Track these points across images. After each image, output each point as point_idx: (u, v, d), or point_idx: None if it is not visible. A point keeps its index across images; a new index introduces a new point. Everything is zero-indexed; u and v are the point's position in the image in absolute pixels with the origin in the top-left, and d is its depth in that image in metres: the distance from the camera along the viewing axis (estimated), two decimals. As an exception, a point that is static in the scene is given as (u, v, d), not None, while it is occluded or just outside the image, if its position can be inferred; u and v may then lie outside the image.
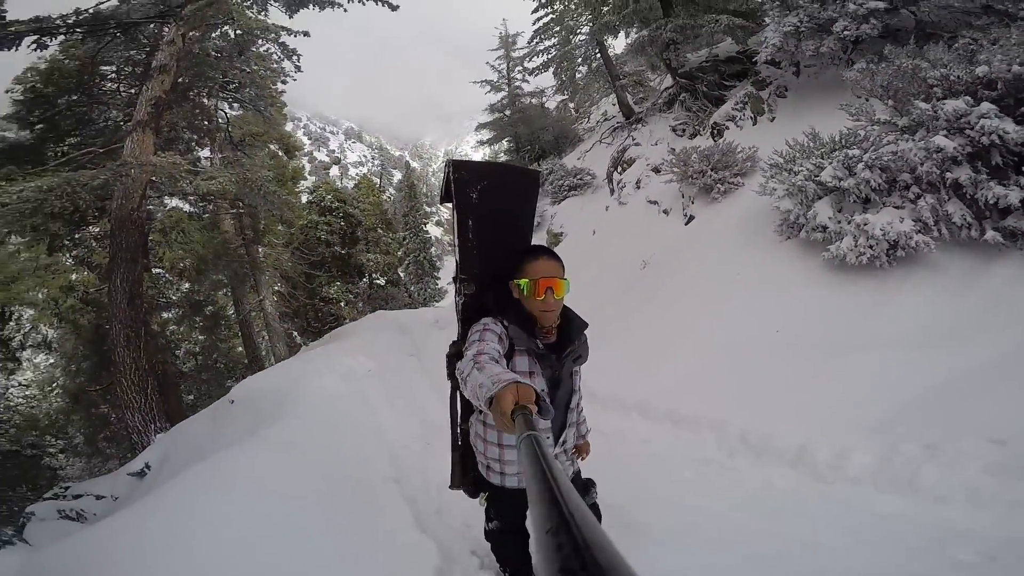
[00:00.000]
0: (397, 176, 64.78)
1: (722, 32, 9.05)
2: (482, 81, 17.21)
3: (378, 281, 21.84)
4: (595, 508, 1.89)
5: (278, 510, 2.33)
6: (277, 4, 8.21)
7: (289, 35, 8.61)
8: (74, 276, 11.62)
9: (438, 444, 3.47)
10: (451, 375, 1.74)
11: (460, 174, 1.70)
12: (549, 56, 13.11)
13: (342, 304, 18.85)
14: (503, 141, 17.98)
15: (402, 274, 23.91)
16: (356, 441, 3.53)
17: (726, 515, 2.32)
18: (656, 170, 8.30)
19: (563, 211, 10.17)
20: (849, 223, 3.68)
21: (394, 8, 7.03)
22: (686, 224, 6.34)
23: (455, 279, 1.74)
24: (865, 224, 3.53)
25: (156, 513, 2.34)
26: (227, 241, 12.48)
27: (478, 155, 22.01)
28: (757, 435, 2.82)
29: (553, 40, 13.09)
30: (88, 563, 1.99)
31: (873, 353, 2.96)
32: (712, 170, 6.41)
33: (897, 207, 3.60)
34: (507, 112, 16.95)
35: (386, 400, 4.92)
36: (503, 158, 18.25)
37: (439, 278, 24.27)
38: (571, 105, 17.09)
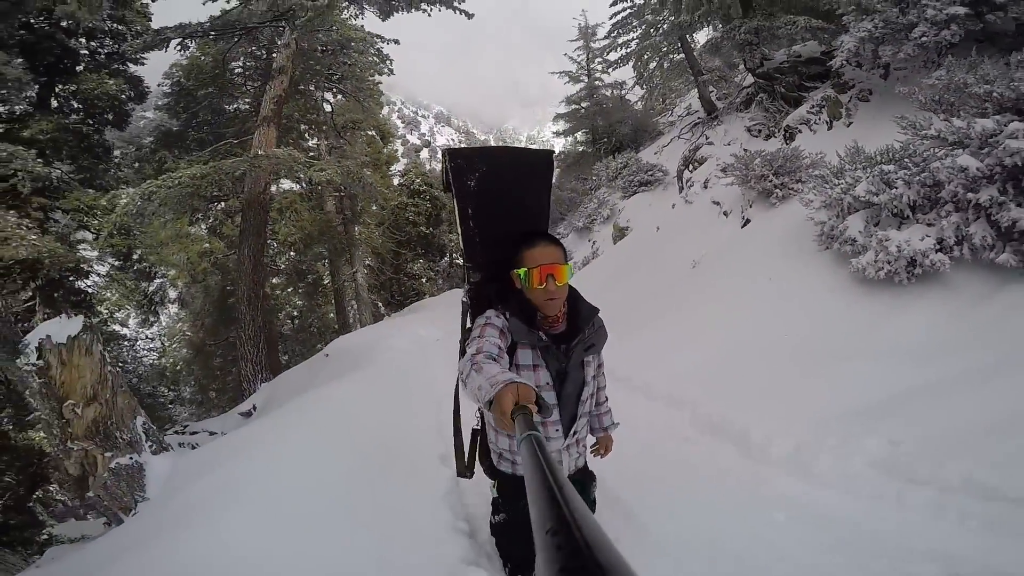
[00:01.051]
0: None
1: (800, 34, 8.83)
2: (561, 72, 17.62)
3: (458, 261, 23.38)
4: (592, 504, 1.86)
5: (349, 426, 3.31)
6: (372, 8, 9.32)
7: (383, 42, 9.82)
8: (207, 245, 13.93)
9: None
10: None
11: (456, 162, 1.68)
12: (628, 50, 13.29)
13: (423, 280, 20.53)
14: (579, 133, 18.29)
15: None
16: (413, 384, 4.65)
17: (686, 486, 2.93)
18: (724, 170, 8.42)
19: (632, 205, 10.53)
20: (871, 237, 3.92)
21: (470, 16, 7.89)
22: (742, 227, 6.57)
23: (462, 268, 1.74)
24: (886, 240, 3.77)
25: (265, 425, 3.44)
26: (329, 220, 14.28)
27: (559, 144, 22.29)
28: (721, 419, 3.38)
29: (632, 35, 13.24)
30: (213, 462, 2.96)
31: (859, 361, 3.31)
32: (774, 175, 6.54)
33: (930, 224, 3.79)
34: (583, 104, 17.23)
35: (442, 360, 6.10)
36: (581, 150, 18.58)
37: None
38: (654, 96, 16.99)
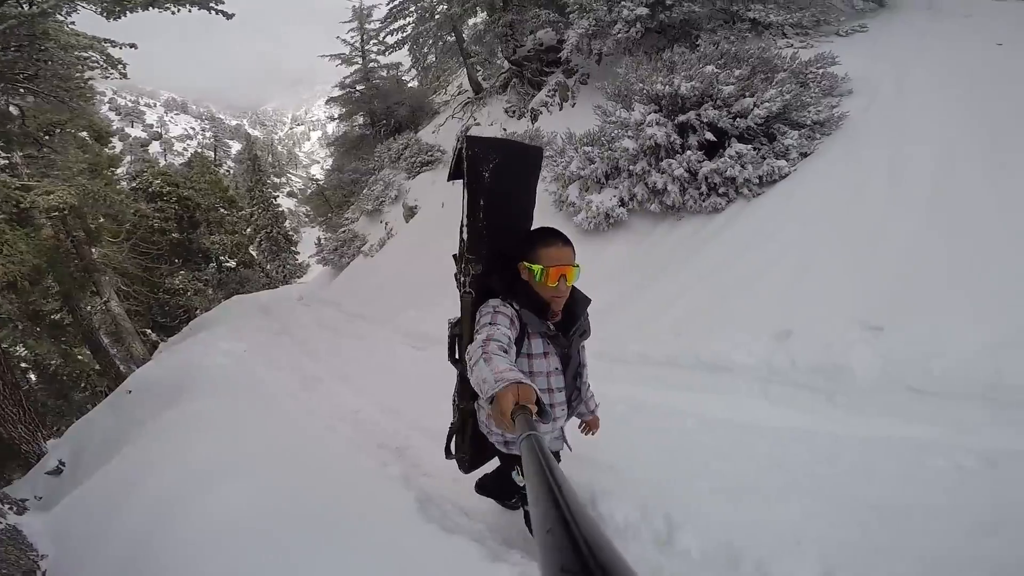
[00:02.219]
0: (236, 147, 59.63)
1: (543, 25, 10.60)
2: (332, 55, 17.04)
3: (228, 264, 20.85)
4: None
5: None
6: (92, 7, 7.43)
7: (115, 47, 8.11)
8: None
9: (316, 392, 4.93)
10: (454, 356, 1.79)
11: (474, 151, 1.63)
12: (405, 34, 13.81)
13: (190, 294, 17.99)
14: (357, 116, 18.05)
15: (254, 253, 23.00)
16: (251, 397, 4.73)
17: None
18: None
19: (418, 185, 11.26)
20: (582, 200, 5.45)
21: (228, 17, 7.11)
22: (506, 198, 7.93)
23: (460, 259, 1.71)
24: (591, 202, 5.31)
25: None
26: (58, 245, 11.52)
27: (335, 129, 21.45)
28: None
29: (408, 19, 13.79)
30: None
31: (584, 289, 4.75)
32: (526, 152, 8.01)
33: (615, 188, 5.43)
34: (359, 87, 17.08)
35: (269, 368, 6.11)
36: (359, 133, 18.39)
37: (298, 253, 23.66)
38: (428, 78, 17.75)
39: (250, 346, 7.66)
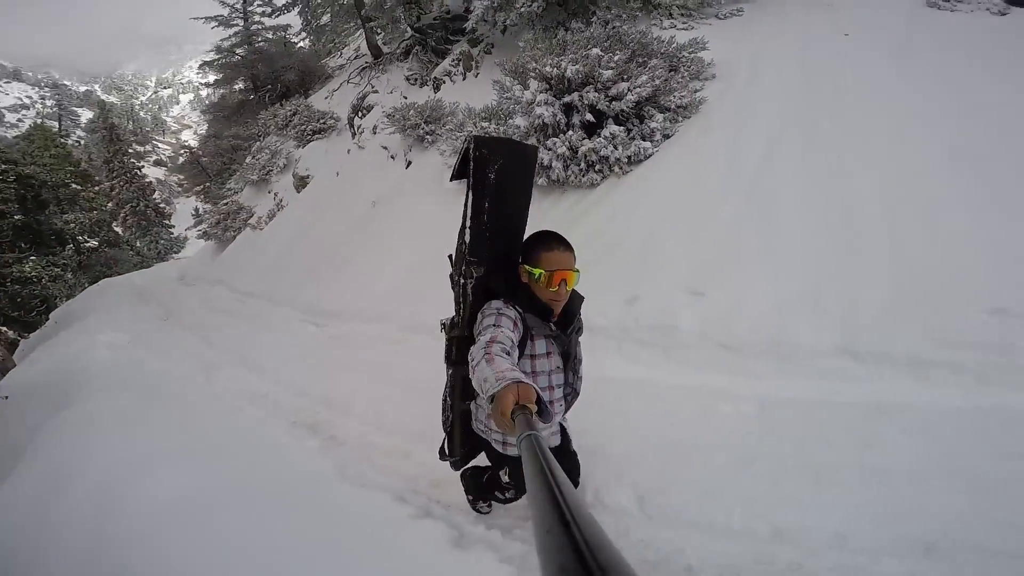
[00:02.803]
0: (86, 115, 52.24)
1: None
2: (208, 18, 15.27)
3: (88, 244, 18.41)
4: (574, 456, 2.04)
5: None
6: None
7: None
8: None
9: (217, 378, 4.88)
10: (451, 358, 1.79)
11: (481, 152, 1.63)
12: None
13: (44, 281, 15.73)
14: (238, 81, 16.47)
15: (120, 230, 20.60)
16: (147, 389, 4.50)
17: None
18: (389, 118, 9.62)
19: (309, 154, 10.78)
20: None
21: None
22: (406, 168, 7.96)
23: (460, 261, 1.72)
24: (487, 174, 5.60)
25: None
26: None
27: (212, 94, 19.40)
28: (417, 320, 4.72)
29: None
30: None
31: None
32: (425, 123, 8.06)
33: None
34: (239, 51, 15.56)
35: (161, 358, 5.73)
36: (240, 98, 16.82)
37: (172, 226, 21.51)
38: (322, 41, 16.63)
39: (133, 336, 7.08)
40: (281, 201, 10.34)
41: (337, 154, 9.97)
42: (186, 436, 2.97)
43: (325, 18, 14.03)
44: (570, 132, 5.21)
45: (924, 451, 2.08)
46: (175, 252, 19.79)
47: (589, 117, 5.15)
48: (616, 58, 5.29)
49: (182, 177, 21.83)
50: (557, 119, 5.29)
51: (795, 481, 2.09)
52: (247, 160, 12.53)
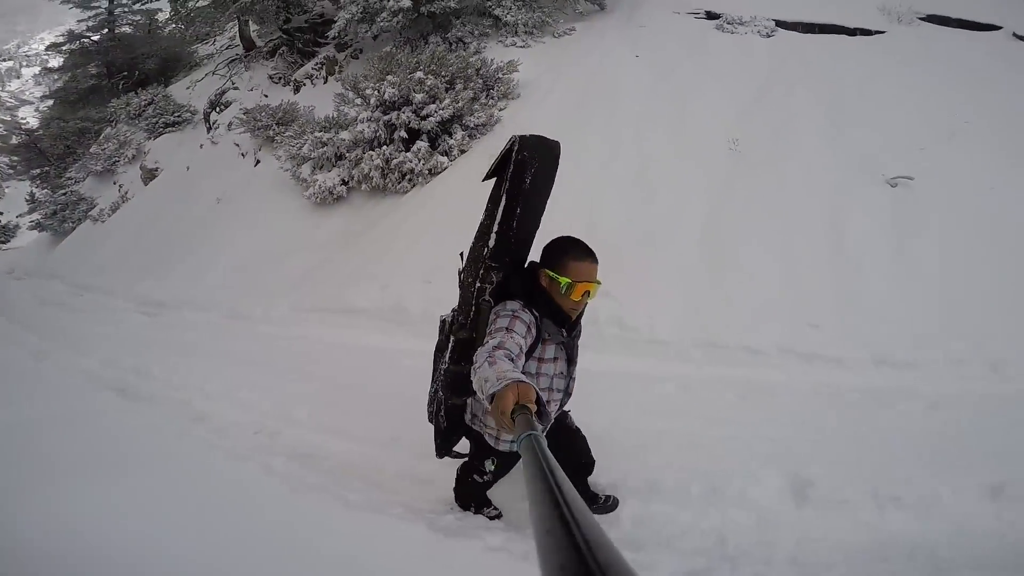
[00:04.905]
0: None
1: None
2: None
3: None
4: (578, 432, 2.14)
5: None
6: None
7: None
8: None
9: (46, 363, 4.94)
10: (454, 358, 1.78)
11: (523, 155, 1.61)
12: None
13: None
14: (90, 67, 15.33)
15: None
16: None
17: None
18: (245, 115, 9.93)
19: (160, 146, 10.71)
20: (313, 178, 6.50)
21: None
22: (255, 166, 8.45)
23: (478, 264, 1.68)
24: (317, 180, 6.40)
25: None
26: None
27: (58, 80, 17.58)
28: (240, 307, 5.39)
29: None
30: None
31: (303, 253, 5.86)
32: (277, 124, 8.58)
33: (340, 169, 6.58)
34: (94, 37, 14.57)
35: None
36: (92, 83, 15.65)
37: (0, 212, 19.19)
38: (190, 31, 15.97)
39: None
40: (126, 193, 10.19)
41: (190, 148, 10.08)
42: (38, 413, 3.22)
43: (195, 2, 13.62)
44: (389, 146, 6.17)
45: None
46: (2, 243, 17.65)
47: (403, 134, 6.15)
48: (429, 82, 6.33)
49: (15, 158, 19.57)
50: (378, 134, 6.23)
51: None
52: (92, 148, 11.98)
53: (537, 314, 1.60)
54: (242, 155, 8.87)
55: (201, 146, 9.91)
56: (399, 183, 6.07)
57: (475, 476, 2.05)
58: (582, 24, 7.98)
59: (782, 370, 3.13)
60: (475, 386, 1.22)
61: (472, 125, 6.28)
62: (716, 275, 3.83)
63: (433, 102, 6.22)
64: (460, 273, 1.81)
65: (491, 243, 1.63)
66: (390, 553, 1.93)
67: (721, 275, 3.82)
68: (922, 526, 2.13)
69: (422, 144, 6.02)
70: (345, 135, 6.30)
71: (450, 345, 1.79)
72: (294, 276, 5.63)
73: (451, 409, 1.91)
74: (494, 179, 1.78)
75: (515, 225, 1.63)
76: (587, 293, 1.59)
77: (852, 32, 7.11)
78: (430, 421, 2.04)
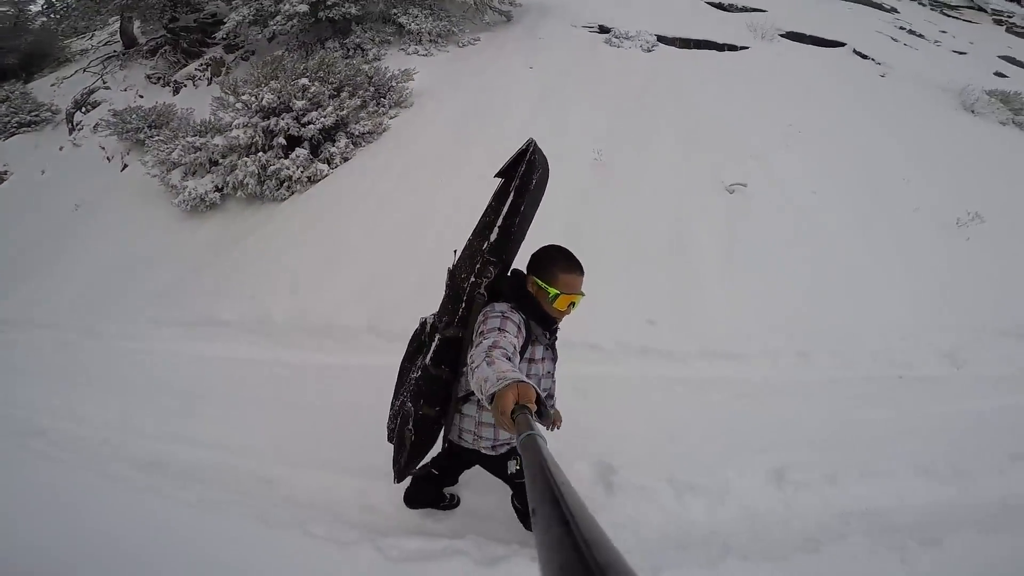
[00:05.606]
0: None
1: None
2: None
3: None
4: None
5: None
6: None
7: None
8: None
9: None
10: (448, 357, 1.78)
11: (535, 156, 1.69)
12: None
13: None
14: None
15: None
16: None
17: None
18: (113, 116, 9.16)
19: (11, 148, 9.57)
20: (184, 184, 6.12)
21: None
22: (122, 171, 7.81)
23: (476, 258, 1.72)
24: (187, 187, 6.04)
25: None
26: None
27: None
28: (94, 325, 4.95)
29: None
30: None
31: (167, 263, 5.49)
32: (149, 127, 8.00)
33: (214, 175, 6.25)
34: None
35: None
36: None
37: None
38: (65, 25, 14.46)
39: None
40: (-33, 201, 8.99)
41: (48, 151, 9.13)
42: None
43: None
44: (269, 152, 5.96)
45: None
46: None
47: (282, 141, 5.97)
48: (313, 89, 6.22)
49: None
50: (254, 140, 6.00)
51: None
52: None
53: (524, 315, 1.64)
54: (108, 159, 8.16)
55: (61, 148, 9.00)
56: (277, 190, 5.88)
57: (519, 478, 1.93)
58: (487, 35, 8.18)
59: (618, 363, 3.39)
60: (473, 387, 1.20)
61: (357, 133, 6.24)
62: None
63: (316, 109, 6.12)
64: (451, 271, 1.79)
65: (492, 237, 1.68)
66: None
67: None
68: (716, 515, 2.36)
69: (302, 151, 5.88)
70: (219, 140, 6.01)
71: (434, 345, 1.77)
72: (158, 288, 5.27)
73: (421, 421, 1.83)
74: (495, 179, 1.82)
75: (518, 222, 1.68)
76: (572, 304, 1.65)
77: (721, 48, 7.91)
78: (390, 440, 1.96)
